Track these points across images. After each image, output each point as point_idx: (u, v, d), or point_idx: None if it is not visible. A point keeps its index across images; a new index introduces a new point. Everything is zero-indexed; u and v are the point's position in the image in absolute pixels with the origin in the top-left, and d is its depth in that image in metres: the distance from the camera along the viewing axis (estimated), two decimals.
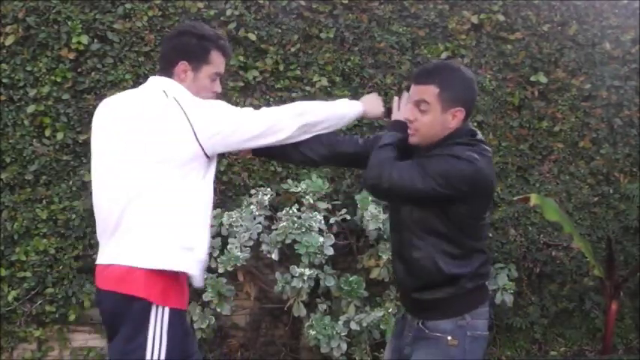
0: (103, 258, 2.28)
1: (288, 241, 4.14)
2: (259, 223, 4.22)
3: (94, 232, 4.39)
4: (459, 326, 2.32)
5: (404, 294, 2.53)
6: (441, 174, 2.19)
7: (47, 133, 4.28)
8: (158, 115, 2.22)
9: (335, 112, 2.49)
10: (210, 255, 4.19)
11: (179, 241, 2.19)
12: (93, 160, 2.34)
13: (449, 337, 2.31)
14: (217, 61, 2.36)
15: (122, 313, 2.17)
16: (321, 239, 4.10)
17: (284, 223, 4.16)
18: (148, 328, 2.15)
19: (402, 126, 2.39)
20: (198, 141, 2.20)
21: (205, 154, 2.23)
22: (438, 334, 2.32)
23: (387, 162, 2.27)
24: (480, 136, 2.36)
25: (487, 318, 2.41)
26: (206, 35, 2.35)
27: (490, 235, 4.90)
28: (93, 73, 4.33)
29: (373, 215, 4.19)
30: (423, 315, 2.39)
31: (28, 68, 4.24)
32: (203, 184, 2.27)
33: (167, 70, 2.33)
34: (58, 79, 4.26)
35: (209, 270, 4.19)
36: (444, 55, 4.81)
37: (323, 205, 4.36)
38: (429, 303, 2.36)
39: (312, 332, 4.08)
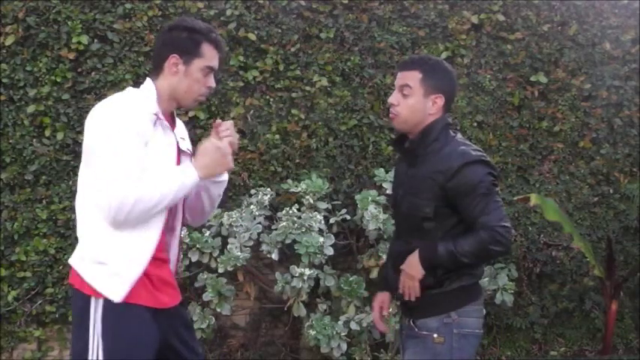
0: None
1: (288, 241, 4.14)
2: (259, 223, 4.22)
3: None
4: (444, 324, 2.36)
5: (394, 294, 2.58)
6: (487, 192, 2.35)
7: (47, 133, 4.28)
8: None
9: (174, 190, 2.20)
10: (210, 255, 4.20)
11: (92, 254, 2.22)
12: None
13: (435, 335, 2.36)
14: (209, 54, 2.32)
15: (72, 304, 2.28)
16: (321, 239, 4.10)
17: (284, 223, 4.16)
18: (89, 320, 2.18)
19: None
20: None
21: None
22: (425, 332, 2.38)
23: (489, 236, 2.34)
24: (459, 136, 2.50)
25: (479, 316, 2.45)
26: (197, 28, 2.33)
27: None
28: (93, 73, 4.33)
29: (373, 215, 4.19)
30: (412, 313, 2.45)
31: (28, 68, 4.25)
32: None
33: (158, 66, 2.32)
34: (58, 79, 4.26)
35: (209, 270, 4.20)
36: (444, 55, 4.81)
37: (323, 205, 4.36)
38: (415, 302, 2.41)
39: (312, 332, 4.08)
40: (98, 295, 2.18)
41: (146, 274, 2.23)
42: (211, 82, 2.36)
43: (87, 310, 2.19)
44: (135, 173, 2.14)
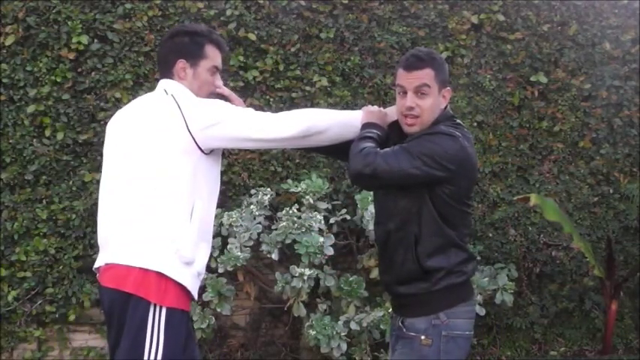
0: (105, 257, 2.29)
1: (288, 241, 4.14)
2: (259, 223, 4.22)
3: (94, 232, 4.41)
4: (433, 325, 2.29)
5: (386, 289, 2.54)
6: (426, 153, 2.21)
7: (47, 133, 4.28)
8: (155, 111, 2.28)
9: (340, 120, 2.44)
10: (211, 255, 4.18)
11: (175, 251, 2.21)
12: (104, 163, 2.37)
13: (422, 337, 2.29)
14: (213, 55, 2.40)
15: (121, 312, 2.18)
16: (321, 239, 4.10)
17: (284, 223, 4.16)
18: (147, 328, 2.16)
19: (374, 124, 2.45)
20: (189, 132, 2.21)
21: (199, 148, 2.24)
22: (412, 334, 2.31)
23: (369, 150, 2.26)
24: (458, 120, 2.41)
25: (470, 317, 2.38)
26: (198, 31, 2.41)
27: (490, 235, 4.91)
28: (93, 73, 4.33)
29: (373, 215, 4.18)
30: (402, 312, 2.39)
31: (28, 68, 4.25)
32: (200, 189, 2.27)
33: (167, 72, 2.38)
34: (58, 79, 4.26)
35: (209, 270, 4.19)
36: (444, 55, 4.80)
37: (323, 205, 4.36)
38: (405, 298, 2.37)
39: (312, 332, 4.08)
40: (171, 298, 2.18)
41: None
42: (219, 81, 2.45)
43: (145, 314, 2.15)
44: None
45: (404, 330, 2.34)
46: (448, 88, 2.39)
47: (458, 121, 2.39)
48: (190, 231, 2.22)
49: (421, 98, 2.31)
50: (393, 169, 2.20)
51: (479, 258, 4.54)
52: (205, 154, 2.27)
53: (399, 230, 2.33)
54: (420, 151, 2.22)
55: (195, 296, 2.28)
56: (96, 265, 2.32)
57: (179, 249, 2.19)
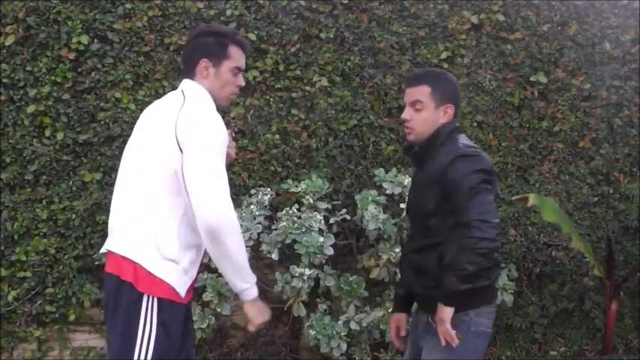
0: (109, 244, 2.39)
1: (288, 241, 4.14)
2: (259, 223, 4.22)
3: (94, 232, 4.44)
4: (462, 321, 2.46)
5: (415, 290, 2.66)
6: (469, 178, 2.40)
7: (47, 133, 4.28)
8: (165, 110, 2.35)
9: (236, 265, 2.30)
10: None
11: (164, 250, 2.27)
12: (124, 154, 2.46)
13: (453, 332, 2.44)
14: (236, 55, 2.45)
15: (117, 296, 2.29)
16: (321, 239, 4.10)
17: (284, 223, 4.16)
18: (140, 315, 2.24)
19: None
20: (176, 133, 2.25)
21: (181, 151, 2.26)
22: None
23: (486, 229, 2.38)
24: (463, 136, 2.59)
25: (491, 318, 2.59)
26: (222, 32, 2.48)
27: None
28: (93, 73, 4.33)
29: (373, 215, 4.19)
30: (431, 310, 2.52)
31: (28, 68, 4.25)
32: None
33: (190, 71, 2.44)
34: (58, 79, 4.26)
35: (209, 270, 4.20)
36: (443, 55, 4.81)
37: (323, 205, 4.36)
38: (435, 299, 2.48)
39: (312, 332, 4.08)
40: (165, 291, 2.24)
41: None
42: (241, 80, 2.49)
43: (138, 304, 2.24)
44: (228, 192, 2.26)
45: (433, 325, 2.49)
46: (451, 105, 2.56)
47: (458, 136, 2.55)
48: (175, 228, 2.26)
49: (416, 112, 2.55)
50: (492, 221, 2.38)
51: None
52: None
53: (434, 244, 2.50)
54: (471, 191, 2.40)
55: (182, 293, 2.29)
56: (102, 250, 2.41)
57: (160, 245, 2.25)
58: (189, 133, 2.24)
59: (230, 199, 2.24)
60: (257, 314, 2.40)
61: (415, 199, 2.62)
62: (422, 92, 2.54)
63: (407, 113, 2.56)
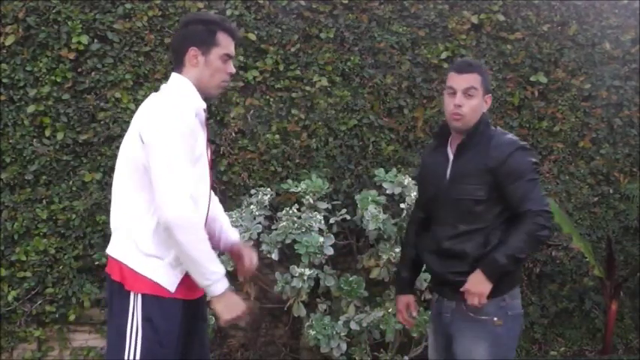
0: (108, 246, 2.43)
1: (288, 241, 4.14)
2: (259, 223, 4.22)
3: (94, 232, 4.45)
4: (500, 307, 2.58)
5: (442, 281, 2.70)
6: (530, 170, 2.59)
7: (47, 133, 4.28)
8: (141, 108, 2.37)
9: (196, 263, 2.23)
10: None
11: (145, 247, 2.28)
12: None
13: (495, 318, 2.57)
14: (225, 42, 2.41)
15: (111, 296, 2.35)
16: (321, 239, 4.10)
17: (284, 223, 4.16)
18: (127, 315, 2.27)
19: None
20: (139, 129, 2.27)
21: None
22: (484, 317, 2.57)
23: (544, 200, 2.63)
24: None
25: (519, 297, 2.71)
26: (211, 19, 2.44)
27: None
28: (93, 73, 4.33)
29: (373, 215, 4.19)
30: (459, 298, 2.59)
31: (28, 68, 4.25)
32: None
33: (179, 62, 2.41)
34: (58, 79, 4.26)
35: None
36: (443, 55, 4.81)
37: (323, 205, 4.36)
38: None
39: (312, 332, 4.08)
40: (148, 287, 2.25)
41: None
42: (231, 68, 2.46)
43: (126, 302, 2.26)
44: (191, 182, 2.24)
45: (471, 314, 2.58)
46: (489, 95, 2.70)
47: (495, 127, 2.73)
48: (150, 224, 2.26)
49: (468, 99, 2.61)
50: (549, 211, 2.61)
51: None
52: None
53: (477, 230, 2.60)
54: (532, 181, 2.60)
55: (171, 288, 2.28)
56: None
57: (138, 243, 2.27)
58: (149, 129, 2.24)
59: (188, 196, 2.19)
60: (224, 310, 2.28)
61: (456, 185, 2.63)
62: (476, 80, 2.63)
63: (460, 99, 2.61)
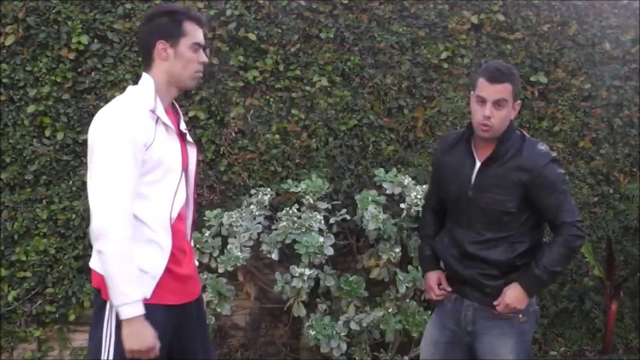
0: None
1: (288, 241, 4.14)
2: (259, 223, 4.22)
3: None
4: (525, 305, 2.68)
5: (463, 281, 2.76)
6: (561, 181, 2.69)
7: (47, 133, 4.28)
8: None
9: (110, 280, 2.16)
10: (210, 255, 4.20)
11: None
12: None
13: (520, 315, 2.68)
14: (193, 31, 2.35)
15: (95, 305, 2.35)
16: (321, 239, 4.10)
17: (284, 223, 4.16)
18: (103, 323, 2.24)
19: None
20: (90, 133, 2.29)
21: None
22: (510, 314, 2.66)
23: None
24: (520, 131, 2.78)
25: None
26: (174, 10, 2.38)
27: None
28: (93, 73, 4.33)
29: (373, 215, 4.19)
30: (493, 297, 2.68)
31: (28, 68, 4.25)
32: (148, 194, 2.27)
33: (148, 57, 2.36)
34: (58, 79, 4.26)
35: (209, 270, 4.20)
36: (443, 55, 4.81)
37: (323, 205, 4.36)
38: (498, 288, 2.68)
39: (312, 332, 4.08)
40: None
41: (167, 270, 2.27)
42: (203, 57, 2.39)
43: (102, 311, 2.25)
44: (128, 193, 2.16)
45: (496, 313, 2.67)
46: (519, 101, 2.69)
47: (520, 132, 2.73)
48: None
49: (498, 110, 2.58)
50: (581, 220, 2.72)
51: None
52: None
53: (504, 237, 2.66)
54: (564, 192, 2.69)
55: (147, 295, 2.21)
56: None
57: None
58: (90, 135, 2.25)
59: (119, 207, 2.13)
60: (128, 338, 2.15)
61: (483, 193, 2.65)
62: (507, 90, 2.59)
63: (490, 110, 2.57)
